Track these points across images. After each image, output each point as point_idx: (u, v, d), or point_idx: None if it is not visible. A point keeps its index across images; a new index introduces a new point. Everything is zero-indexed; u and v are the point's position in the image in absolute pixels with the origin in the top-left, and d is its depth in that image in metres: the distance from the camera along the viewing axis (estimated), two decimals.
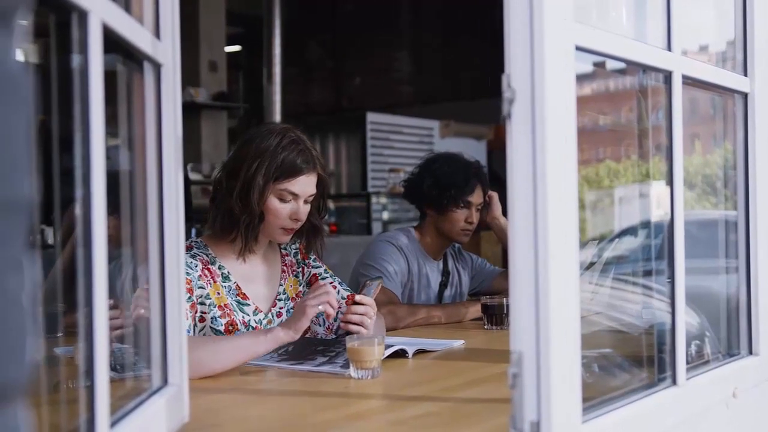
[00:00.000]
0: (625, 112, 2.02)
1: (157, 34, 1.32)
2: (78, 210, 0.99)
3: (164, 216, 1.33)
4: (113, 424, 1.06)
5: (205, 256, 2.16)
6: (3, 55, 0.53)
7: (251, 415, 1.58)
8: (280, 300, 2.28)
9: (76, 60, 0.99)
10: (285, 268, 2.33)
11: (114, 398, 1.05)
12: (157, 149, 1.33)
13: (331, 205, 7.60)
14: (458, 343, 2.29)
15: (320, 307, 1.93)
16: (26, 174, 0.55)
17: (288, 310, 2.27)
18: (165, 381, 1.34)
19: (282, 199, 2.15)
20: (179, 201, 1.36)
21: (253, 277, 2.24)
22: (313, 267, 2.37)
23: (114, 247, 1.11)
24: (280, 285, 2.30)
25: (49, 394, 1.18)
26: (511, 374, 1.15)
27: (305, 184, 2.16)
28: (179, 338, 1.36)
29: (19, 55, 0.56)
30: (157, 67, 1.32)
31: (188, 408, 1.40)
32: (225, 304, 2.14)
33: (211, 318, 2.10)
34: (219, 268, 2.18)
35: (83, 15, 0.97)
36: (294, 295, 2.31)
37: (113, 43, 1.09)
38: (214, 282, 2.14)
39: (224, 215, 2.16)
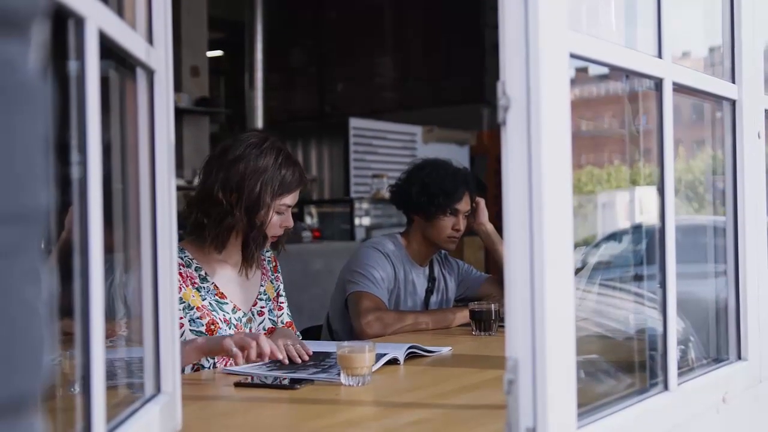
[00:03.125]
0: (608, 118, 2.03)
1: (150, 40, 1.31)
2: (74, 217, 0.99)
3: (157, 223, 1.33)
4: None
5: (179, 259, 2.18)
6: (20, 63, 0.53)
7: (243, 423, 1.58)
8: (261, 299, 2.36)
9: (72, 66, 0.99)
10: (264, 270, 2.42)
11: (107, 406, 1.04)
12: (149, 155, 1.32)
13: (313, 210, 7.59)
14: (446, 350, 2.29)
15: (234, 349, 1.89)
16: (44, 183, 0.55)
17: (270, 310, 2.37)
18: (158, 389, 1.33)
19: (279, 213, 2.25)
20: (172, 207, 1.35)
21: (233, 278, 2.30)
22: (280, 282, 2.47)
23: (104, 254, 1.10)
24: (261, 285, 2.38)
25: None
26: (507, 380, 1.15)
27: (297, 195, 2.29)
28: (172, 346, 1.35)
29: (36, 64, 0.55)
30: (150, 73, 1.31)
31: (181, 416, 1.39)
32: (202, 305, 2.19)
33: (190, 320, 2.15)
34: (196, 270, 2.23)
35: (80, 21, 0.97)
36: (272, 297, 2.41)
37: (106, 49, 1.09)
38: (187, 285, 2.19)
39: (224, 231, 2.21)
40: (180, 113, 7.44)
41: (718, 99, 1.78)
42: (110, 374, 1.37)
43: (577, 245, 1.95)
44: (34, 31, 0.56)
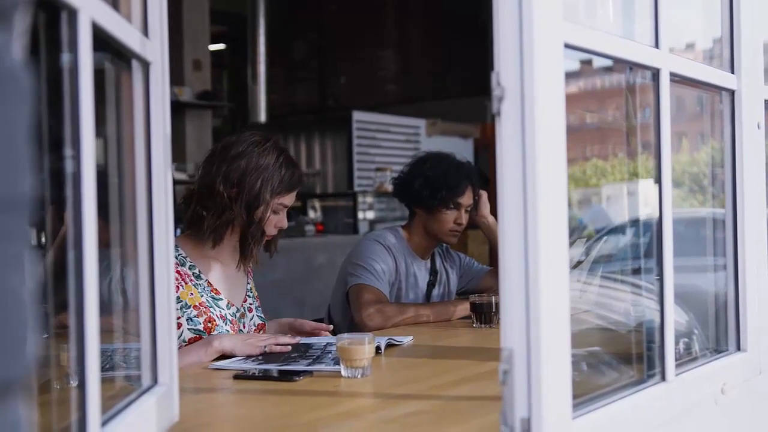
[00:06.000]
0: (612, 111, 2.03)
1: (145, 32, 1.31)
2: (68, 211, 0.99)
3: (153, 216, 1.33)
4: (104, 423, 1.06)
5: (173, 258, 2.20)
6: (3, 52, 0.53)
7: (241, 415, 1.58)
8: (249, 296, 2.40)
9: (65, 58, 0.99)
10: (250, 269, 2.44)
11: (102, 397, 1.04)
12: (145, 148, 1.32)
13: (316, 204, 7.59)
14: (407, 339, 2.31)
15: (266, 348, 2.08)
16: (27, 171, 0.55)
17: (256, 307, 2.41)
18: (155, 380, 1.33)
19: (275, 212, 2.26)
20: (168, 201, 1.36)
21: (224, 275, 2.32)
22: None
23: (101, 248, 1.10)
24: (248, 283, 2.41)
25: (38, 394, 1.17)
26: (502, 371, 1.15)
27: (294, 197, 2.31)
28: (169, 338, 1.35)
29: (19, 53, 0.56)
30: (145, 65, 1.31)
31: (178, 407, 1.40)
32: (200, 303, 2.21)
33: (188, 319, 2.17)
34: (189, 268, 2.25)
35: (73, 13, 0.97)
36: (256, 296, 2.44)
37: (101, 41, 1.09)
38: (186, 283, 2.20)
39: (223, 225, 2.22)
40: (182, 107, 7.43)
41: (717, 89, 1.77)
42: (111, 365, 1.37)
43: (581, 238, 1.95)
44: (17, 19, 0.56)
